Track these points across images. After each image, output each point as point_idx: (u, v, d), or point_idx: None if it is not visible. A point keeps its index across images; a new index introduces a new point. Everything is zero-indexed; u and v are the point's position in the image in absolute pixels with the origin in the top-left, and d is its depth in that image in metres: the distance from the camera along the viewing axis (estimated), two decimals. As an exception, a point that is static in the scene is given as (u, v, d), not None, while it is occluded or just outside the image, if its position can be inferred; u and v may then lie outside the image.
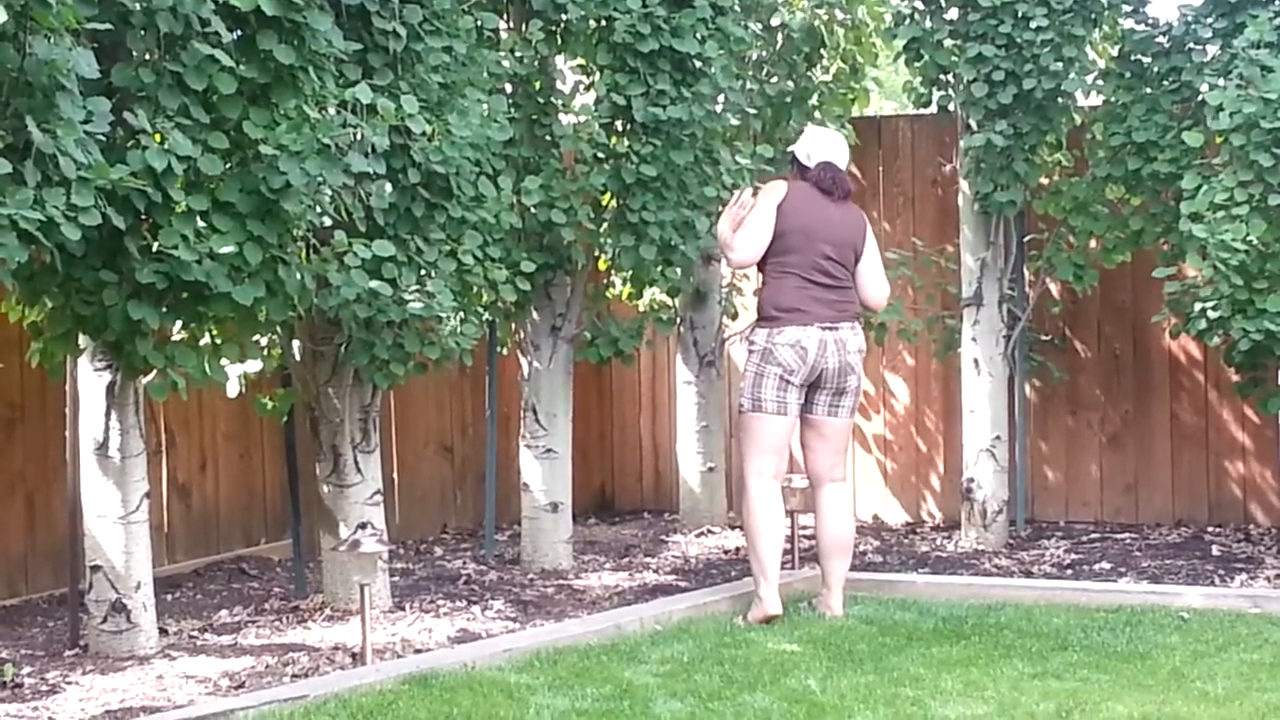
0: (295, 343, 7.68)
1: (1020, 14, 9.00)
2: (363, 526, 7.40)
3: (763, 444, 7.74)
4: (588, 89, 8.74)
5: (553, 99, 8.63)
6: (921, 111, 9.92)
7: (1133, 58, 9.33)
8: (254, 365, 7.63)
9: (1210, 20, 9.03)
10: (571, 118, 8.63)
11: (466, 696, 6.23)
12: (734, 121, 9.42)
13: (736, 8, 9.01)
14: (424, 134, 7.12)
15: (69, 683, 6.56)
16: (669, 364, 10.88)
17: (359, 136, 6.66)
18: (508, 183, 7.92)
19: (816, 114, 10.28)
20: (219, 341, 7.01)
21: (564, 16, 8.45)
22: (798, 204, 7.80)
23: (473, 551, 9.55)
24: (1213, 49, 9.04)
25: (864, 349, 7.88)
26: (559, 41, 8.61)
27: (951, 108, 9.54)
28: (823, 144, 7.96)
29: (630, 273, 9.09)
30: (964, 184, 9.59)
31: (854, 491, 10.39)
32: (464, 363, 7.90)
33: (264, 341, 7.54)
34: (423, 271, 7.27)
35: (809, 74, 10.34)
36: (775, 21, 10.22)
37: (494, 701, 6.18)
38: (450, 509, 10.40)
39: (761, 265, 7.87)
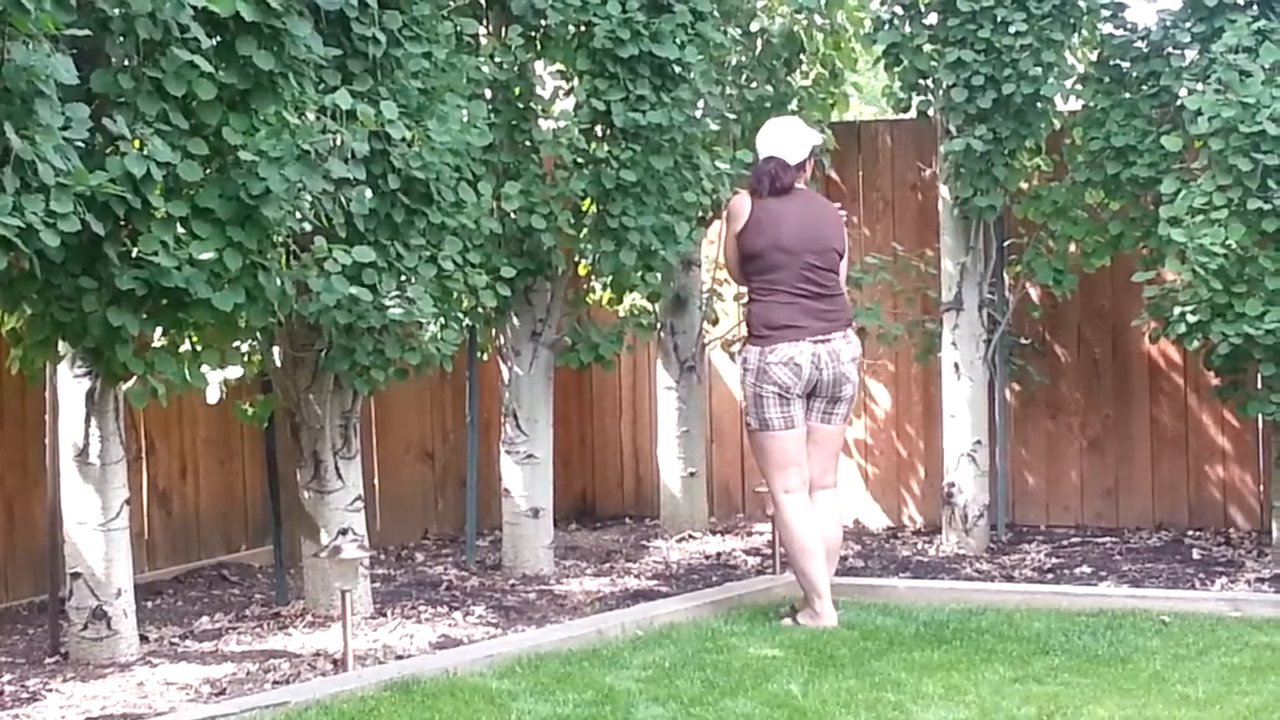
0: (275, 349, 7.67)
1: (999, 19, 9.01)
2: (344, 533, 7.40)
3: (780, 460, 7.74)
4: (567, 94, 8.74)
5: (532, 104, 8.63)
6: (901, 116, 9.92)
7: (1112, 62, 9.35)
8: (234, 371, 7.62)
9: (1189, 25, 9.05)
10: (551, 123, 8.62)
11: (448, 703, 6.22)
12: (714, 126, 9.43)
13: (716, 13, 9.01)
14: (404, 139, 7.11)
15: (49, 690, 6.55)
16: (649, 369, 10.88)
17: (339, 142, 6.65)
18: (488, 188, 7.91)
19: (796, 119, 10.30)
20: (199, 348, 6.99)
21: (543, 22, 8.45)
22: (763, 219, 7.73)
23: (454, 557, 9.54)
24: (1191, 54, 9.06)
25: (858, 356, 7.84)
26: (538, 47, 8.60)
27: (931, 113, 9.55)
28: (768, 138, 7.88)
29: (610, 278, 9.09)
30: (943, 189, 9.60)
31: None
32: (444, 368, 7.89)
33: (244, 348, 7.54)
34: (403, 277, 7.27)
35: (788, 79, 10.34)
36: (754, 27, 10.22)
37: (476, 707, 6.18)
38: (431, 515, 10.39)
39: (748, 281, 7.85)
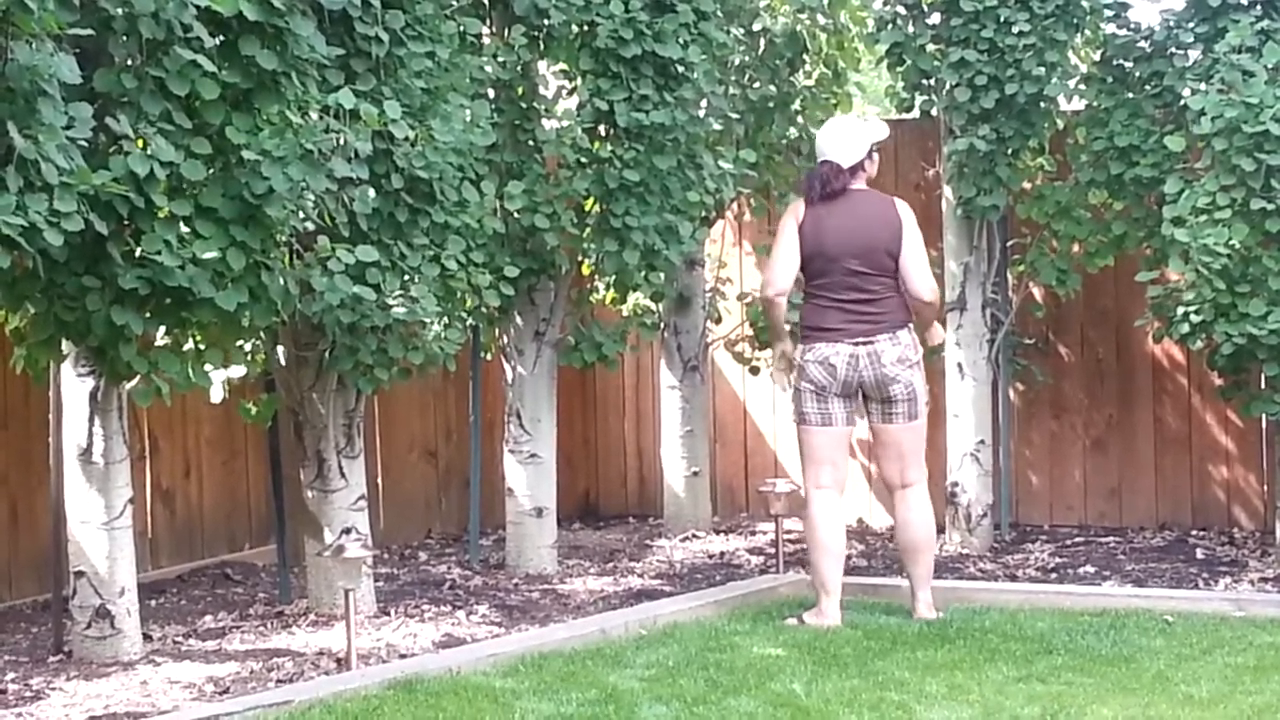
0: (279, 348, 7.67)
1: (1002, 19, 9.01)
2: (347, 532, 7.40)
3: (814, 455, 7.79)
4: (570, 94, 8.75)
5: (535, 104, 8.63)
6: (904, 116, 9.91)
7: (1115, 62, 9.34)
8: (238, 371, 7.63)
9: (1192, 25, 9.05)
10: (554, 123, 8.62)
11: (451, 702, 6.22)
12: (717, 126, 9.42)
13: (719, 13, 9.00)
14: (407, 139, 7.12)
15: (53, 689, 6.55)
16: (653, 369, 10.87)
17: (342, 142, 6.66)
18: (491, 188, 7.92)
19: (799, 119, 10.29)
20: (202, 347, 7.00)
21: (546, 21, 8.45)
22: (812, 224, 7.69)
23: (457, 556, 9.55)
24: (1194, 53, 9.05)
25: (907, 357, 7.70)
26: (541, 46, 8.60)
27: (934, 113, 9.55)
28: (823, 141, 7.82)
29: (614, 277, 9.08)
30: (947, 189, 9.60)
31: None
32: (448, 368, 7.89)
33: (248, 347, 7.54)
34: (406, 277, 7.27)
35: (791, 79, 10.34)
36: (757, 26, 10.22)
37: (479, 707, 6.18)
38: (435, 514, 10.39)
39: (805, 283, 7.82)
